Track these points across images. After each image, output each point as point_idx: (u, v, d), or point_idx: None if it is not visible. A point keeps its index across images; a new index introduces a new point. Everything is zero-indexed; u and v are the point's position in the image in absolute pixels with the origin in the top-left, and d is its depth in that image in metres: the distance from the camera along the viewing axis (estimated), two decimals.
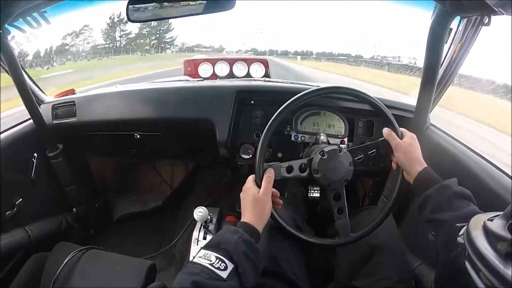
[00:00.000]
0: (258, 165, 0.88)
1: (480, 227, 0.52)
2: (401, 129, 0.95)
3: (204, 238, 1.35)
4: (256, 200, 0.83)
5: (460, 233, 0.61)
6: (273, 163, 0.92)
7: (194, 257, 0.69)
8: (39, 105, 1.41)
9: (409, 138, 0.91)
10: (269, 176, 0.87)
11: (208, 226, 1.39)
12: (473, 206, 0.74)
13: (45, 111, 1.42)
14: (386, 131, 0.93)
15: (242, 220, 0.80)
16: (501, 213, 0.51)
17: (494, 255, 0.45)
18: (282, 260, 0.89)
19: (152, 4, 1.01)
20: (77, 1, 1.61)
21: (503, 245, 0.45)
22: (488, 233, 0.49)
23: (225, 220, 1.50)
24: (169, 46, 25.18)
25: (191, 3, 1.01)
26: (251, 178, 0.89)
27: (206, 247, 0.70)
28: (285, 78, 1.74)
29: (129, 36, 21.70)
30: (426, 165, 0.86)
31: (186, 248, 1.46)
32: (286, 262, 0.90)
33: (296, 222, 1.02)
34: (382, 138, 0.94)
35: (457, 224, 0.64)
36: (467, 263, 0.50)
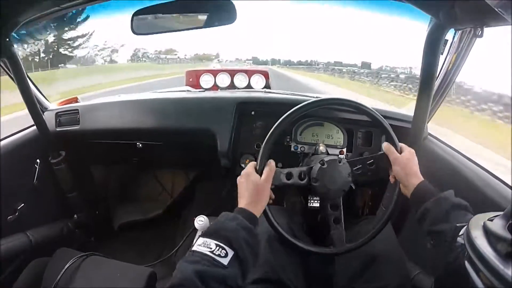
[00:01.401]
0: (262, 154, 0.89)
1: (480, 227, 0.52)
2: (400, 144, 0.97)
3: None
4: (256, 186, 0.82)
5: (460, 233, 0.62)
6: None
7: (193, 246, 0.68)
8: (43, 112, 1.43)
9: (408, 153, 0.93)
10: (270, 166, 0.87)
11: None
12: (470, 216, 0.74)
13: (48, 118, 1.44)
14: (385, 145, 0.95)
15: (239, 205, 0.80)
16: (501, 213, 0.51)
17: (494, 255, 0.45)
18: (280, 268, 0.90)
19: (156, 16, 1.03)
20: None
21: (503, 245, 0.45)
22: (488, 233, 0.49)
23: None
24: (73, 54, 13.15)
25: (193, 15, 1.04)
26: (251, 164, 0.89)
27: (204, 235, 0.69)
28: None
29: None
30: (423, 179, 0.87)
31: None
32: (283, 270, 0.90)
33: (293, 231, 1.02)
34: (382, 152, 0.96)
35: (457, 224, 0.66)
36: (467, 263, 0.51)
